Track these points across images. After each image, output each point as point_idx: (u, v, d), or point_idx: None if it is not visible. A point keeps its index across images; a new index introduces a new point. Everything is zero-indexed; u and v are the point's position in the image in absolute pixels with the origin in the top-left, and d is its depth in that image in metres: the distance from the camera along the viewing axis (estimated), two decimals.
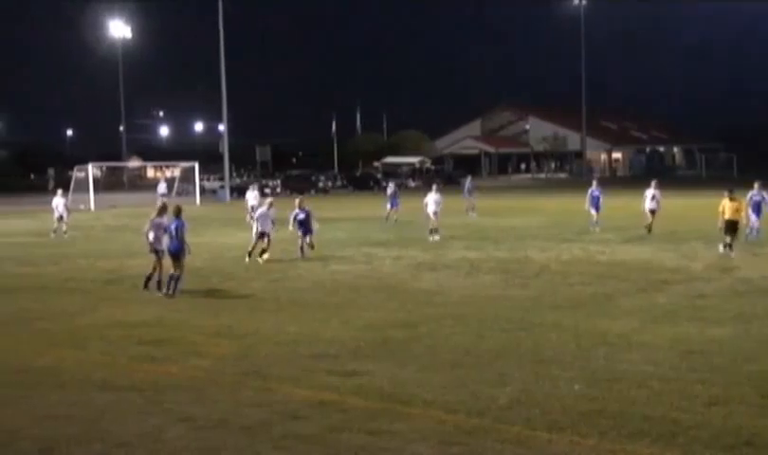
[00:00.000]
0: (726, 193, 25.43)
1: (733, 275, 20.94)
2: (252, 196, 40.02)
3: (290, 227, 26.35)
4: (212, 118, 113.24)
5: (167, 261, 19.84)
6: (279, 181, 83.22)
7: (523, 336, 14.27)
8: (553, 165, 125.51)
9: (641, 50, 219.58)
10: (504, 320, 15.66)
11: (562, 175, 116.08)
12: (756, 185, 28.73)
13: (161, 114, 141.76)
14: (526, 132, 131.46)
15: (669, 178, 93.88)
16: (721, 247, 25.05)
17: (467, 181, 47.42)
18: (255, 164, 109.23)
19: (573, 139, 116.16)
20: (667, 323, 15.20)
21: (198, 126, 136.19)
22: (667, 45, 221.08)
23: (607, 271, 21.94)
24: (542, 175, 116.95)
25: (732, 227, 24.95)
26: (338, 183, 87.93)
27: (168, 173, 79.08)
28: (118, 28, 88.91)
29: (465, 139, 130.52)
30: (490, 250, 27.26)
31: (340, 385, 11.47)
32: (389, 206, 40.21)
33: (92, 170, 64.51)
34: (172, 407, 10.62)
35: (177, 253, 19.66)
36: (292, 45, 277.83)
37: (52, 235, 35.08)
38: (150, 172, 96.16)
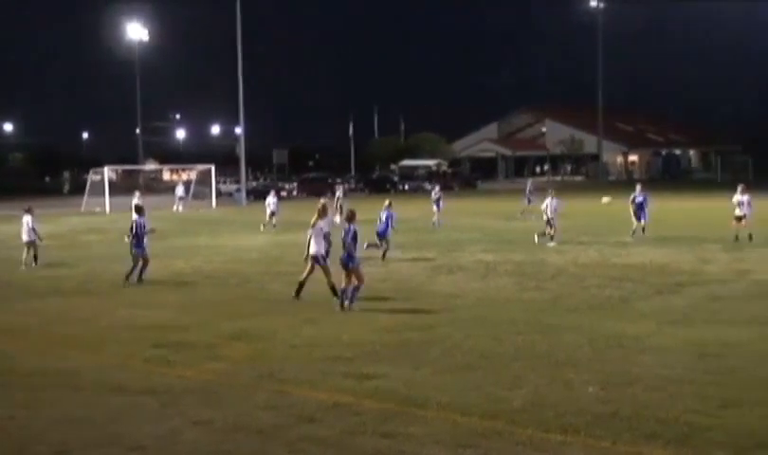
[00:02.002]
0: None
1: (748, 278, 20.88)
2: (273, 202, 39.99)
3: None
4: (229, 121, 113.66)
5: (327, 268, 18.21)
6: (295, 184, 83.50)
7: (539, 339, 14.27)
8: (569, 167, 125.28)
9: (660, 52, 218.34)
10: (520, 323, 15.68)
11: (578, 178, 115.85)
12: None
13: (178, 117, 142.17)
14: (543, 134, 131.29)
15: (685, 181, 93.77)
16: None
17: (529, 183, 46.82)
18: (272, 167, 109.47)
19: (589, 142, 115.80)
20: (682, 326, 15.18)
21: (215, 129, 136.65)
22: (688, 46, 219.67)
23: (623, 274, 21.90)
24: (558, 178, 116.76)
25: None
26: (354, 186, 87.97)
27: (185, 176, 79.22)
28: (136, 31, 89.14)
29: (482, 142, 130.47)
30: (507, 253, 27.25)
31: (356, 388, 11.51)
32: (435, 208, 40.04)
33: (107, 173, 64.82)
34: (187, 410, 10.68)
35: (347, 264, 17.52)
36: (310, 48, 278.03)
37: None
38: (166, 176, 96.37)
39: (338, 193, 45.42)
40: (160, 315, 17.53)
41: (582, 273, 22.31)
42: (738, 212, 29.31)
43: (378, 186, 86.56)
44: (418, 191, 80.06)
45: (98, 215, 54.98)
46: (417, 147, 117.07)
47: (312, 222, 18.72)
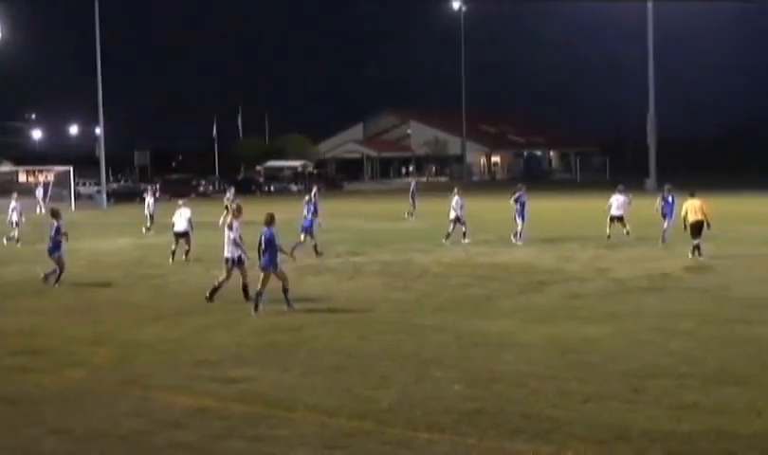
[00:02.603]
0: (689, 195, 24.66)
1: (606, 276, 21.54)
2: (151, 202, 38.82)
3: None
4: (88, 121, 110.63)
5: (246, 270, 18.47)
6: (158, 185, 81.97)
7: (406, 339, 14.40)
8: (434, 168, 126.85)
9: (523, 55, 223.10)
10: (387, 323, 15.79)
11: (443, 179, 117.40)
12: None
13: (33, 116, 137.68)
14: (408, 136, 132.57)
15: (546, 182, 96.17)
16: (690, 253, 24.02)
17: (412, 184, 46.60)
18: (133, 168, 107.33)
19: (453, 143, 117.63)
20: (544, 323, 15.55)
21: (73, 129, 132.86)
22: (551, 50, 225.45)
23: (488, 273, 22.30)
24: (423, 179, 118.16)
25: (697, 228, 23.85)
26: (218, 187, 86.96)
27: (42, 178, 76.76)
28: None
29: (347, 143, 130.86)
30: (374, 254, 27.39)
31: (223, 391, 11.38)
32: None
33: None
34: (47, 418, 10.36)
35: (268, 268, 17.42)
36: (171, 47, 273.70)
37: (5, 242, 33.48)
38: (22, 177, 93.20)
39: (228, 194, 44.41)
40: (18, 321, 16.93)
41: (448, 272, 22.62)
42: (614, 212, 29.66)
43: (244, 187, 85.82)
44: (284, 193, 79.80)
45: None
46: (283, 148, 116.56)
47: (228, 222, 18.69)
